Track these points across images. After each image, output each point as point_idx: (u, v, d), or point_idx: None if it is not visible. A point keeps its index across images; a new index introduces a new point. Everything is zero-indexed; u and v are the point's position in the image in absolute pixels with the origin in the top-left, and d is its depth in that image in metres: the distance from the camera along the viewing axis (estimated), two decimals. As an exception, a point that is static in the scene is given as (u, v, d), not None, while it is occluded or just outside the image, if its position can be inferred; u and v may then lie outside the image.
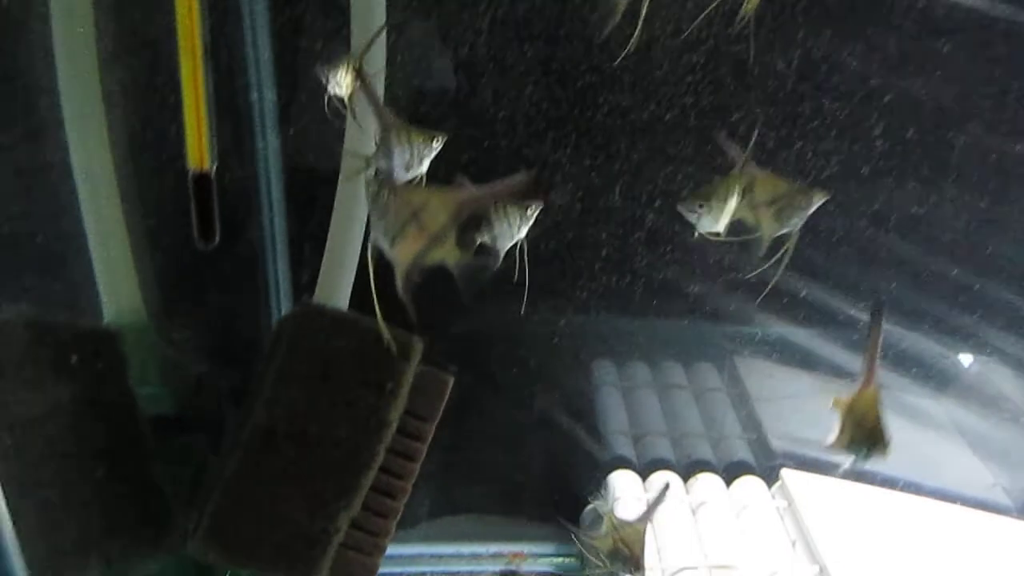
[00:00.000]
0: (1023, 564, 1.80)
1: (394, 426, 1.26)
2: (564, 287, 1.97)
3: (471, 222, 1.11)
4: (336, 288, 1.36)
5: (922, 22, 1.69)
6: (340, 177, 1.27)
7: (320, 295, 1.38)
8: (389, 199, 0.98)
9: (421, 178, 1.11)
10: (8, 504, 0.98)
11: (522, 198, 1.09)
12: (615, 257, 1.95)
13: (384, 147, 1.04)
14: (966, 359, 2.08)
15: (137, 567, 1.22)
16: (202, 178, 1.06)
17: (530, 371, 2.06)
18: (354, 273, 1.37)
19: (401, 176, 1.09)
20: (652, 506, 1.45)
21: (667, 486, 1.54)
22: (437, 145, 1.09)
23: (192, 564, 1.24)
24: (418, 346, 1.26)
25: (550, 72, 1.70)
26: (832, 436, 1.27)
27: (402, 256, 1.01)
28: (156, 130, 1.43)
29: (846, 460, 1.27)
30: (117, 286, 1.40)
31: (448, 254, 1.04)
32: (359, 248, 1.36)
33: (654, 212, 1.88)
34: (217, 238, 1.11)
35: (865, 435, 1.24)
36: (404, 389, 1.25)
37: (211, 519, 1.19)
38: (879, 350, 1.26)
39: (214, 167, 1.08)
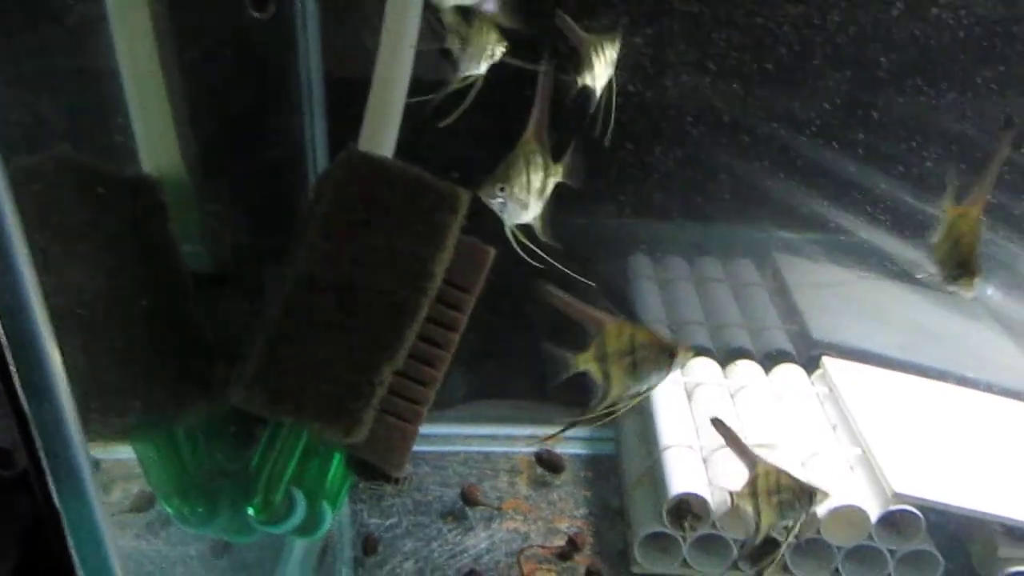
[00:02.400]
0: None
1: (439, 279, 1.23)
2: (607, 187, 1.93)
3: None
4: (380, 138, 1.31)
5: None
6: (384, 19, 1.21)
7: (363, 145, 1.34)
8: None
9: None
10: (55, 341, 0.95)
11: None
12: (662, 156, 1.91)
13: None
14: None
15: (179, 415, 1.21)
16: None
17: (570, 261, 2.04)
18: (399, 124, 1.33)
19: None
20: None
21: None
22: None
23: (234, 415, 1.24)
24: (464, 197, 1.22)
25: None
26: (934, 239, 1.23)
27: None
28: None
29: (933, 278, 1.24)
30: (154, 141, 1.36)
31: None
32: (404, 96, 1.31)
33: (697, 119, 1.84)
34: (273, 8, 1.06)
35: (958, 257, 1.20)
36: (450, 241, 1.22)
37: (255, 367, 1.18)
38: (997, 171, 1.21)
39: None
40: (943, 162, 1.89)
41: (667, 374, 1.22)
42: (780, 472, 1.34)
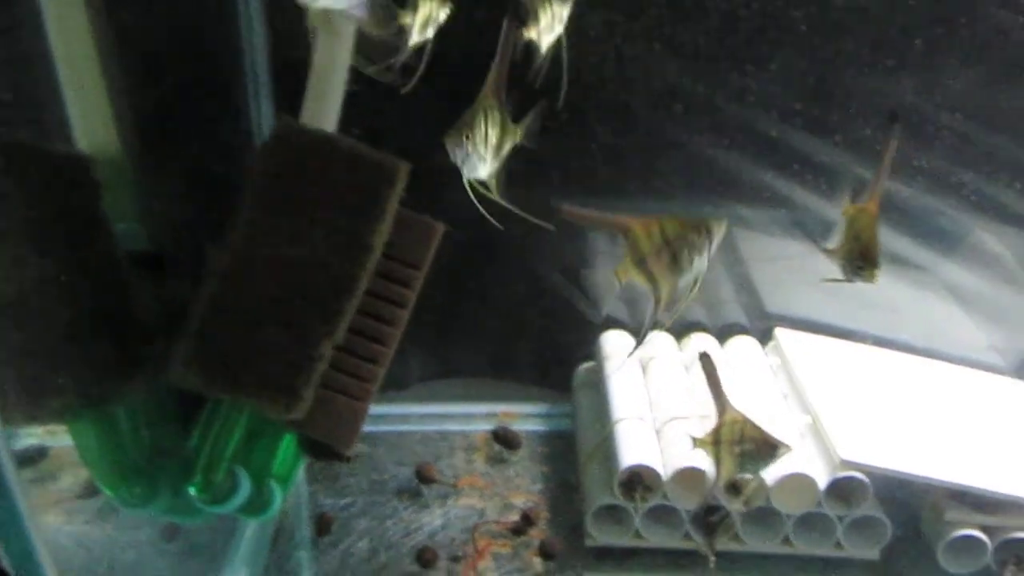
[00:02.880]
0: (1015, 420, 1.80)
1: (377, 251, 1.22)
2: (561, 160, 1.92)
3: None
4: (322, 111, 1.30)
5: None
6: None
7: (305, 119, 1.32)
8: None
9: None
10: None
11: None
12: (613, 133, 1.90)
13: None
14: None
15: (115, 396, 1.19)
16: None
17: (527, 236, 2.03)
18: (341, 100, 1.31)
19: None
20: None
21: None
22: None
23: (175, 394, 1.22)
24: (403, 168, 1.21)
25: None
26: (833, 244, 1.26)
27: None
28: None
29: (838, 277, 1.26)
30: (90, 118, 1.34)
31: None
32: (346, 72, 1.30)
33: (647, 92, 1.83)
34: None
35: (859, 250, 1.22)
36: (388, 214, 1.21)
37: (191, 345, 1.16)
38: (888, 168, 1.24)
39: None
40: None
41: (710, 254, 1.15)
42: (747, 422, 1.31)
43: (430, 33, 1.30)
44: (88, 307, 1.17)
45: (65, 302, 1.14)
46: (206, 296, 1.19)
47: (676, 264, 1.11)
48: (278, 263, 1.18)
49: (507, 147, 1.30)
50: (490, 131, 1.24)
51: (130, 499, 1.24)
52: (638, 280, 1.11)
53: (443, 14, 1.30)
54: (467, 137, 1.18)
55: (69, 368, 1.14)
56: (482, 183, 1.27)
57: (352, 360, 1.33)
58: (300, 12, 1.26)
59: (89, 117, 1.35)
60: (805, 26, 1.78)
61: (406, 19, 1.25)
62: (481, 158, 1.23)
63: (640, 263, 1.10)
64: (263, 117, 1.60)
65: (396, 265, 1.33)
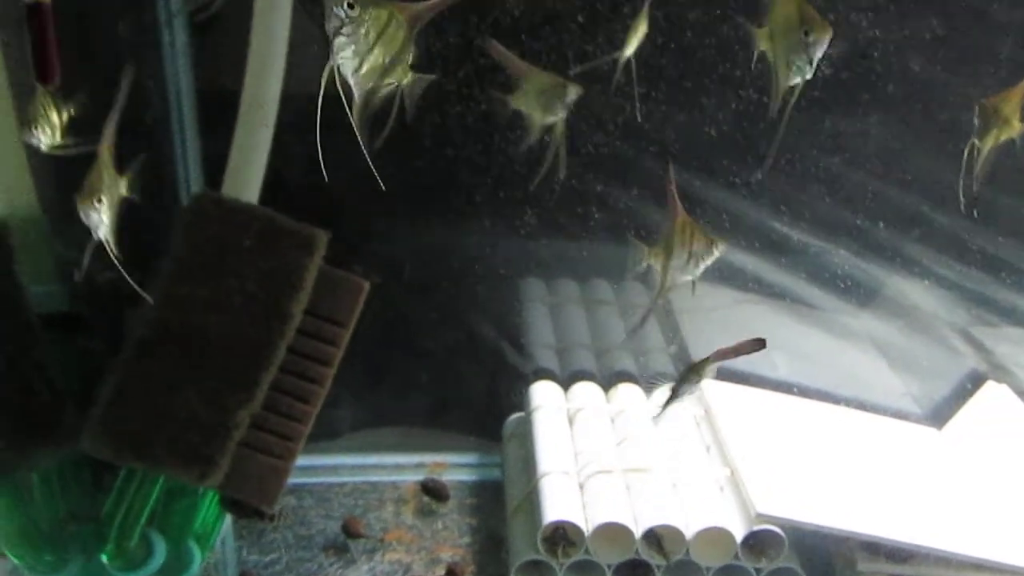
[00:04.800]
0: (929, 468, 1.86)
1: (296, 319, 1.23)
2: (495, 206, 1.95)
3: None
4: (245, 184, 1.32)
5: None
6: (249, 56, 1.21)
7: (227, 191, 1.34)
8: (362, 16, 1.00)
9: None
10: None
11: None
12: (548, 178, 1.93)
13: None
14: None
15: (28, 462, 1.18)
16: (37, 8, 0.97)
17: (458, 285, 2.06)
18: (263, 168, 1.33)
19: None
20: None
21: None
22: None
23: (88, 462, 1.22)
24: (322, 237, 1.23)
25: None
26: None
27: (366, 79, 1.04)
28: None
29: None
30: (7, 178, 1.33)
31: (401, 75, 1.10)
32: (269, 141, 1.32)
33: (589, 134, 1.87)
34: (57, 79, 1.04)
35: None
36: (307, 281, 1.22)
37: (103, 414, 1.16)
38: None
39: (50, -1, 1.00)
40: (816, 190, 1.97)
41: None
42: (695, 225, 1.34)
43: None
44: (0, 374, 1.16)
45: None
46: (121, 364, 1.19)
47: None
48: (195, 332, 1.19)
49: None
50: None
51: (38, 566, 1.23)
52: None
53: None
54: (99, 201, 1.18)
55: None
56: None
57: (274, 418, 1.34)
58: (231, 70, 1.27)
59: (5, 176, 1.35)
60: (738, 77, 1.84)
61: None
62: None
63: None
64: (190, 175, 1.60)
65: (321, 323, 1.35)
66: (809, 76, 1.15)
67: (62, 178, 1.45)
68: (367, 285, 1.37)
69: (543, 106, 1.34)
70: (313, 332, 1.34)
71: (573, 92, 1.34)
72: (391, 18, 1.05)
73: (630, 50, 1.48)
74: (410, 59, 1.13)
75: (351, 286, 1.36)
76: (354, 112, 1.05)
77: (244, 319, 1.20)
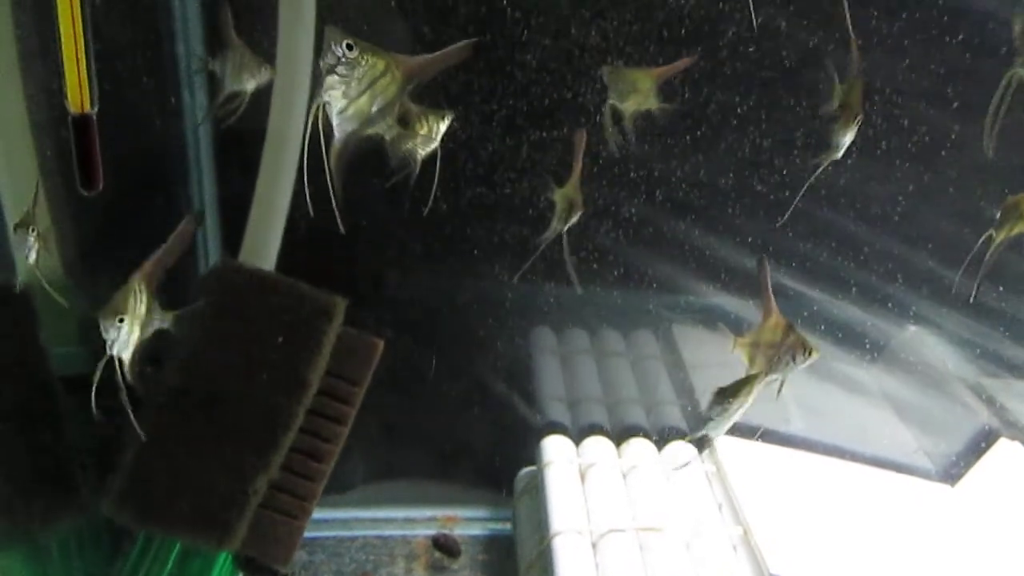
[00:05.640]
0: (943, 526, 1.85)
1: (314, 387, 1.25)
2: (505, 257, 1.97)
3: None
4: (262, 248, 1.34)
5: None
6: (268, 129, 1.24)
7: (245, 255, 1.36)
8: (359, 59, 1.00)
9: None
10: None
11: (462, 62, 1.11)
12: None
13: None
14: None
15: (47, 527, 1.19)
16: (83, 121, 1.01)
17: (469, 338, 2.07)
18: (281, 233, 1.35)
19: None
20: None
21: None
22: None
23: (106, 526, 1.23)
24: (340, 305, 1.25)
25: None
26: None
27: (348, 122, 1.02)
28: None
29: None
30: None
31: (386, 127, 1.11)
32: (287, 207, 1.34)
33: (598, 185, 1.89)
34: (100, 186, 1.07)
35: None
36: (325, 349, 1.24)
37: (123, 479, 1.17)
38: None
39: (95, 109, 1.03)
40: (816, 243, 1.99)
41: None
42: (790, 327, 1.35)
43: None
44: (18, 440, 1.17)
45: (-2, 437, 1.15)
46: (141, 429, 1.20)
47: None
48: (214, 398, 1.20)
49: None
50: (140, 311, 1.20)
51: (57, 632, 1.23)
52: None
53: None
54: (121, 320, 1.15)
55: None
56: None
57: (291, 477, 1.35)
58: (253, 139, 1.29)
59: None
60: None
61: None
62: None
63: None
64: (209, 246, 1.63)
65: (336, 381, 1.36)
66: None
67: (87, 243, 1.47)
68: (381, 344, 1.39)
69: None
70: (328, 391, 1.35)
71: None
72: (387, 70, 1.04)
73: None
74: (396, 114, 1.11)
75: (366, 345, 1.38)
76: (330, 154, 1.02)
77: (263, 386, 1.21)
